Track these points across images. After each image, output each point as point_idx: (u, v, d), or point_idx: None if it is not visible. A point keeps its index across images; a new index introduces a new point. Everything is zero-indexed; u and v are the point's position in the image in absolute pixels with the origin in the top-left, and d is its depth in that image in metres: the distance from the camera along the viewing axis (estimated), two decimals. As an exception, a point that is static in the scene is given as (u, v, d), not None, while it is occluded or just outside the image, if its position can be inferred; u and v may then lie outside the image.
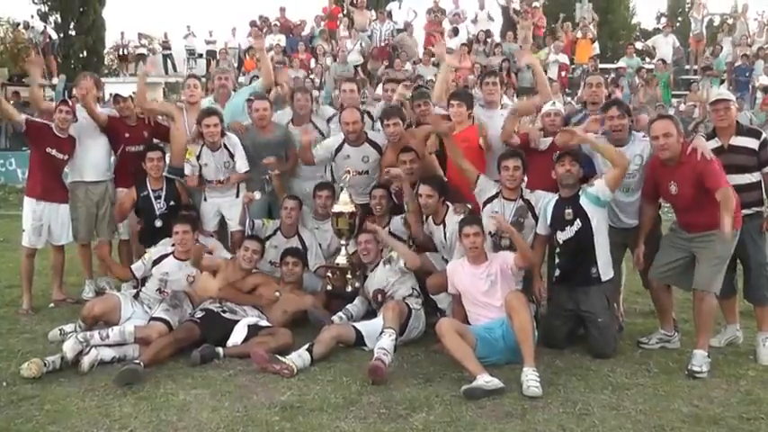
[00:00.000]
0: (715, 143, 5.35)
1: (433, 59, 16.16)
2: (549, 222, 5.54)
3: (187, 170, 6.61)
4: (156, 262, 5.98)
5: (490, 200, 5.78)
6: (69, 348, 4.97)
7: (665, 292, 5.59)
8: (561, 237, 5.47)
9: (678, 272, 5.32)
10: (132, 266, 6.17)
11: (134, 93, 7.35)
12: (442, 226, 5.92)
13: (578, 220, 5.38)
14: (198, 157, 6.58)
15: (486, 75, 6.94)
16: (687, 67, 19.99)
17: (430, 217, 6.00)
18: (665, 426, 4.15)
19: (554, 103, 6.24)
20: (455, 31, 19.21)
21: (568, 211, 5.41)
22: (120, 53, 24.91)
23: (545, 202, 5.58)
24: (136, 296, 5.91)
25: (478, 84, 7.26)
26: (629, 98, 16.57)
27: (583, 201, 5.39)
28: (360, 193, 6.49)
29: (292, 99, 7.05)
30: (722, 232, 4.77)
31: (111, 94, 7.75)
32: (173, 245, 6.05)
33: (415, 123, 6.74)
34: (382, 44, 18.77)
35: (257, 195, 6.47)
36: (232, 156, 6.56)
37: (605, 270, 5.45)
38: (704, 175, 4.99)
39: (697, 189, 5.04)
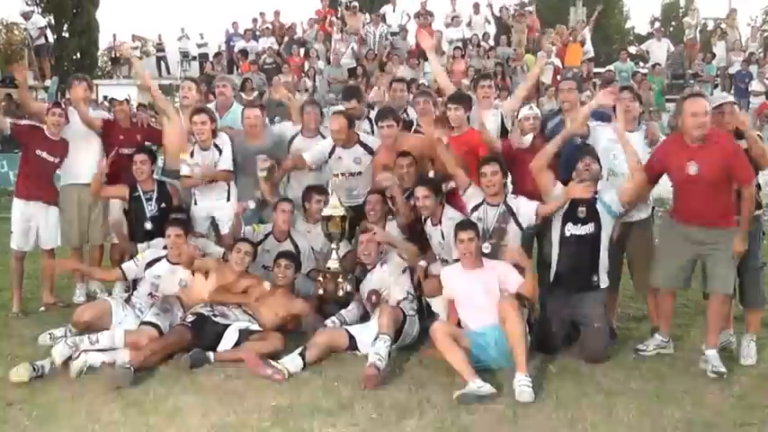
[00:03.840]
0: None
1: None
2: (561, 213, 5.49)
3: (184, 170, 6.58)
4: (148, 265, 5.95)
5: (476, 207, 5.76)
6: (58, 353, 4.94)
7: (673, 297, 5.58)
8: (570, 230, 5.44)
9: (688, 275, 5.35)
10: (123, 266, 6.12)
11: (129, 95, 7.33)
12: (439, 226, 5.90)
13: (591, 223, 5.39)
14: (191, 156, 6.56)
15: (482, 78, 6.98)
16: (681, 72, 20.01)
17: (428, 219, 5.97)
18: (658, 431, 4.14)
19: (531, 107, 6.24)
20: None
21: (582, 209, 5.39)
22: (113, 55, 24.90)
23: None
24: (127, 300, 5.87)
25: (473, 87, 7.29)
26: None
27: (598, 206, 5.39)
28: (354, 194, 6.47)
29: (301, 112, 7.01)
30: (739, 230, 4.97)
31: (104, 97, 7.72)
32: (164, 247, 6.03)
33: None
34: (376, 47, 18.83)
35: (251, 205, 6.42)
36: (222, 155, 6.54)
37: (604, 278, 5.48)
38: (735, 163, 4.97)
39: (721, 172, 5.00)
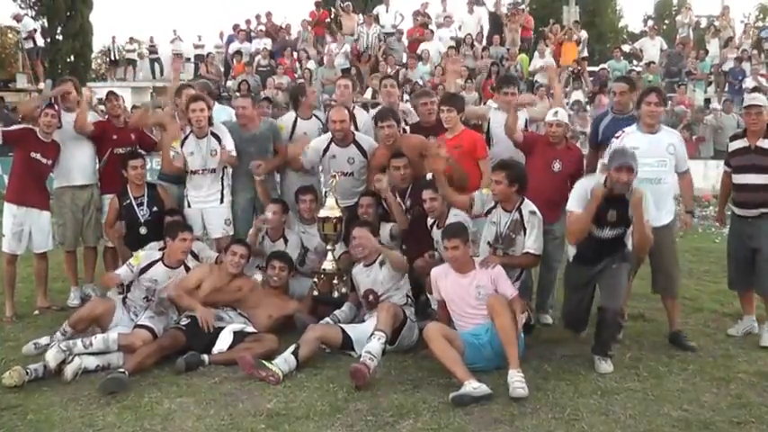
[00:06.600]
0: (743, 143, 5.64)
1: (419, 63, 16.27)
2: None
3: (170, 155, 6.57)
4: (143, 270, 5.86)
5: (490, 210, 5.70)
6: (52, 357, 4.90)
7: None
8: (598, 234, 5.23)
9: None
10: (117, 271, 6.08)
11: (123, 98, 7.34)
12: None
13: (621, 227, 5.21)
14: (182, 146, 6.54)
15: (505, 83, 6.77)
16: (676, 69, 20.01)
17: (436, 223, 5.92)
18: (655, 431, 4.13)
19: (556, 113, 6.18)
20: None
21: (612, 212, 5.18)
22: (112, 58, 24.87)
23: (585, 184, 5.30)
24: (122, 302, 5.82)
25: (496, 90, 7.18)
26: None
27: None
28: (345, 195, 6.41)
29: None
30: None
31: (99, 100, 7.70)
32: (160, 249, 6.00)
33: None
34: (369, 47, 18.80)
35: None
36: (220, 141, 6.52)
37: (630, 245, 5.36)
38: None
39: None
